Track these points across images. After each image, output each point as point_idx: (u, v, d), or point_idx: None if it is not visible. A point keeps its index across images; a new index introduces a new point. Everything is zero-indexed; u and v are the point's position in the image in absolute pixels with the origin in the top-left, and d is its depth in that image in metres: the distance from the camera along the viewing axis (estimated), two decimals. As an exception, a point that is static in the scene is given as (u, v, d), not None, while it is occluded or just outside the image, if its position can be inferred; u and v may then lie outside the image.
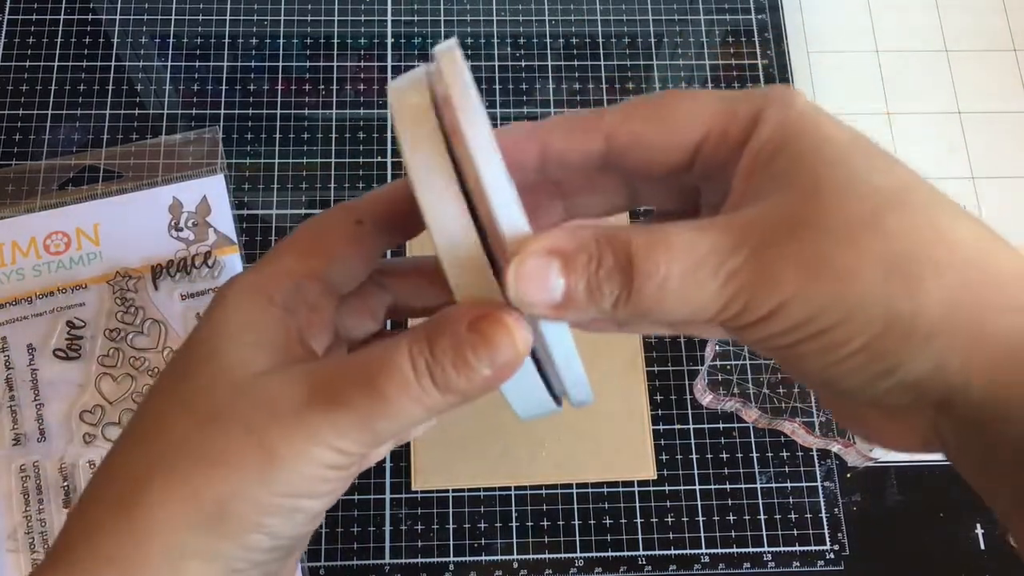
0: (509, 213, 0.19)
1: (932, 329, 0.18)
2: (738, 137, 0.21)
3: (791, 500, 0.45)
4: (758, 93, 0.21)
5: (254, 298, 0.22)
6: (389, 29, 0.54)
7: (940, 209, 0.19)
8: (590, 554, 0.43)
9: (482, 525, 0.44)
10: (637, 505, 0.44)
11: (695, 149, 0.22)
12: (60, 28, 0.53)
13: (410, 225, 0.25)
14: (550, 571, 0.43)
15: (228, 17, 0.53)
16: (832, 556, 0.44)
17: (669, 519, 0.44)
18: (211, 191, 0.48)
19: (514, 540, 0.44)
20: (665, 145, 0.22)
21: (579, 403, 0.23)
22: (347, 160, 0.50)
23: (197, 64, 0.52)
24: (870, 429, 0.22)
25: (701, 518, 0.44)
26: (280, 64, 0.53)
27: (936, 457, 0.46)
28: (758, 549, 0.44)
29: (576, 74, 0.53)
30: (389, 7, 0.55)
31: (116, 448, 0.22)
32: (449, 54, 0.20)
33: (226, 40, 0.53)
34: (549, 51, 0.54)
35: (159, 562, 0.20)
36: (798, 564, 0.44)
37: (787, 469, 0.45)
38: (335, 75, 0.53)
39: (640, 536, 0.44)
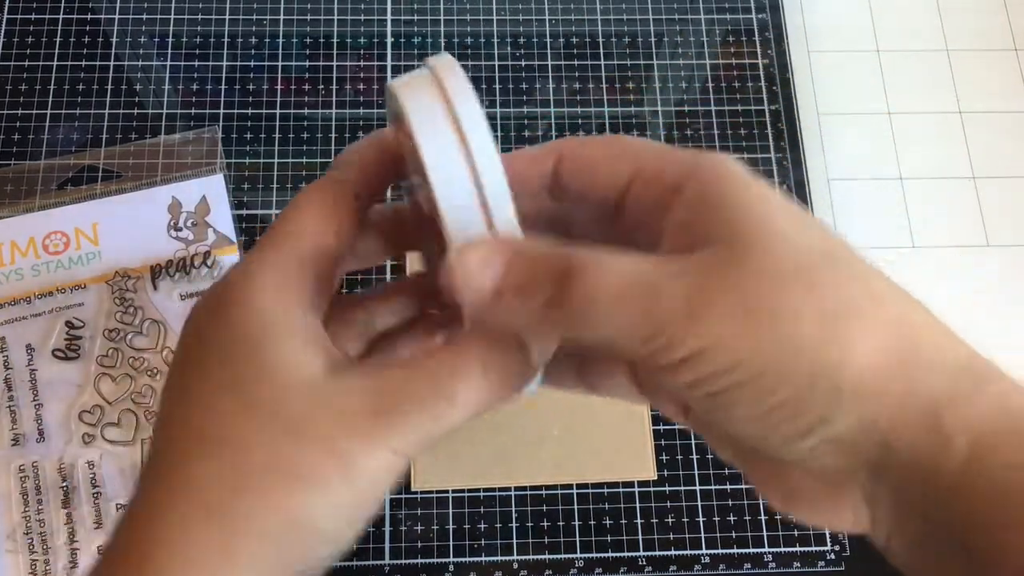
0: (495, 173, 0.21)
1: (860, 382, 0.18)
2: (672, 181, 0.21)
3: (792, 500, 0.45)
4: (694, 152, 0.22)
5: (288, 295, 0.22)
6: (389, 29, 0.54)
7: (868, 270, 0.20)
8: (590, 554, 0.43)
9: (482, 525, 0.44)
10: (637, 505, 0.44)
11: (631, 179, 0.22)
12: (60, 28, 0.53)
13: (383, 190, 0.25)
14: (550, 571, 0.43)
15: (227, 16, 0.53)
16: (832, 556, 0.44)
17: (669, 519, 0.44)
18: (210, 191, 0.48)
19: (514, 540, 0.43)
20: (609, 170, 0.23)
21: None
22: (347, 160, 0.50)
23: (196, 64, 0.52)
24: (800, 500, 0.21)
25: (701, 518, 0.44)
26: (280, 64, 0.52)
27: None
28: (759, 549, 0.44)
29: (576, 74, 0.53)
30: (389, 7, 0.55)
31: (173, 446, 0.21)
32: (446, 59, 0.22)
33: (225, 40, 0.53)
34: (549, 51, 0.54)
35: (245, 573, 0.20)
36: (798, 564, 0.44)
37: (788, 469, 0.45)
38: (335, 75, 0.53)
39: (640, 536, 0.44)
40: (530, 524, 0.44)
